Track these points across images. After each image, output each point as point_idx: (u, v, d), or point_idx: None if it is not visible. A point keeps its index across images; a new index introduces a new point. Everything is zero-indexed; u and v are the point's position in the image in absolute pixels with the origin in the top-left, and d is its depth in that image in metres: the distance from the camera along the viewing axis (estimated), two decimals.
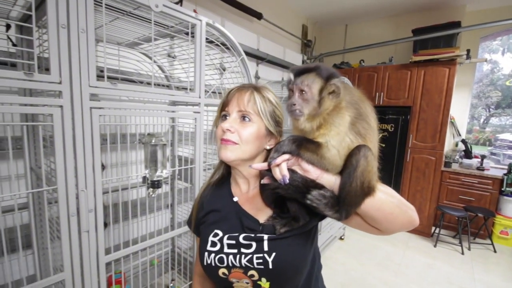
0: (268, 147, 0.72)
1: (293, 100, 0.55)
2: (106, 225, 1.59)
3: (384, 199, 0.54)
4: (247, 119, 0.67)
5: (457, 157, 3.63)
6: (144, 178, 1.01)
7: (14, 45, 1.27)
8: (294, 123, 0.59)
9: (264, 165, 0.58)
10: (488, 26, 2.87)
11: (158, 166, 0.99)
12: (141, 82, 1.41)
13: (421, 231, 3.32)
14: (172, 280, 1.96)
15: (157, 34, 1.27)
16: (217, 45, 1.28)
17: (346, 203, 0.54)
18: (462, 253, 2.90)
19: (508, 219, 3.07)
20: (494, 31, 3.41)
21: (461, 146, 3.62)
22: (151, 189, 0.99)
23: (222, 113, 0.70)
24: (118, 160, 1.54)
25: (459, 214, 2.97)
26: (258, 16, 3.04)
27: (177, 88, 1.66)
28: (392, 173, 3.52)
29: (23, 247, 1.03)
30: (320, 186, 0.55)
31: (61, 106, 0.77)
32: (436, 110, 3.16)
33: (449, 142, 3.70)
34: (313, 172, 0.55)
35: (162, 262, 1.71)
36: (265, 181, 0.59)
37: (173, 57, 1.95)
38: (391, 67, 3.47)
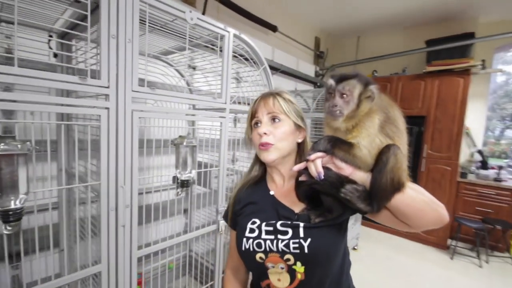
0: (299, 140, 0.78)
1: (335, 102, 0.60)
2: None
3: (415, 196, 0.58)
4: (277, 120, 0.74)
5: (473, 168, 3.57)
6: (174, 178, 1.07)
7: (55, 56, 1.38)
8: (329, 122, 0.63)
9: (302, 165, 0.64)
10: (503, 37, 2.88)
11: (188, 167, 1.05)
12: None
13: (437, 243, 3.26)
14: (185, 286, 1.99)
15: (182, 47, 1.35)
16: (240, 55, 1.36)
17: (378, 197, 0.58)
18: (480, 266, 2.83)
19: None
20: (509, 42, 3.40)
21: (477, 157, 3.57)
22: (180, 188, 1.05)
23: (254, 121, 0.77)
24: (147, 164, 1.62)
25: (476, 226, 2.92)
26: (273, 28, 3.14)
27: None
28: None
29: (47, 246, 1.08)
30: (353, 182, 0.59)
31: (107, 108, 0.84)
32: (451, 120, 3.16)
33: (465, 153, 3.66)
34: (346, 169, 0.60)
35: (174, 267, 1.76)
36: (302, 178, 0.64)
37: (193, 68, 2.05)
38: (405, 78, 3.50)
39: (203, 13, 2.25)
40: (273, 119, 0.74)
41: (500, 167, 3.38)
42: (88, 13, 0.79)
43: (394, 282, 2.51)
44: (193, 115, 1.37)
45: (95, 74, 0.83)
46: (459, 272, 2.72)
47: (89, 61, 0.98)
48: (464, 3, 3.07)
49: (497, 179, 3.23)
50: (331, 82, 0.61)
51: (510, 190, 3.06)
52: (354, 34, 4.31)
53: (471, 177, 3.38)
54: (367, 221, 3.73)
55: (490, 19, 3.40)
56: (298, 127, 0.77)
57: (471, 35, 3.11)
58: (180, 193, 1.06)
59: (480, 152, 3.54)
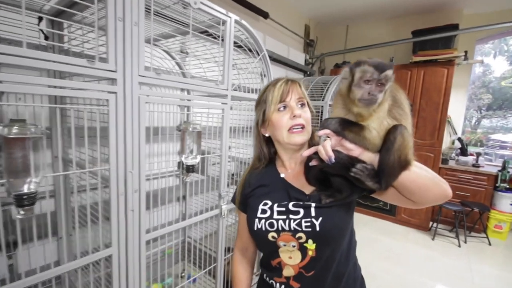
0: None
1: (373, 90, 0.59)
2: None
3: (419, 173, 0.62)
4: (303, 105, 0.78)
5: (454, 154, 3.77)
6: (179, 163, 1.08)
7: (46, 38, 1.33)
8: (347, 105, 0.65)
9: (312, 150, 0.66)
10: (485, 28, 3.01)
11: (193, 152, 1.06)
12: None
13: (420, 225, 3.45)
14: (183, 270, 2.04)
15: (180, 31, 1.34)
16: (240, 41, 1.36)
17: (385, 174, 0.61)
18: (459, 246, 3.04)
19: (502, 214, 3.21)
20: (489, 34, 3.55)
21: (457, 144, 3.77)
22: (185, 173, 1.06)
23: (281, 105, 0.76)
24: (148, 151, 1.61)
25: (455, 208, 3.11)
26: (265, 15, 3.12)
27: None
28: None
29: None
30: (362, 162, 0.63)
31: (115, 93, 0.83)
32: (435, 109, 3.29)
33: (446, 140, 3.84)
34: (355, 150, 0.63)
35: (170, 252, 1.78)
36: (313, 163, 0.67)
37: (186, 53, 2.03)
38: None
39: None
40: (301, 104, 0.78)
41: (478, 154, 3.60)
42: None
43: (383, 261, 2.66)
44: (196, 101, 1.37)
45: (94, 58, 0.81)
46: (440, 252, 2.92)
47: (86, 45, 0.96)
48: None
49: (475, 165, 3.44)
50: (372, 70, 0.59)
51: (486, 175, 3.27)
52: (343, 23, 4.34)
53: (451, 163, 3.57)
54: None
55: (474, 11, 3.52)
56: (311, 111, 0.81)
57: (455, 27, 3.21)
58: (185, 178, 1.07)
59: (460, 139, 3.73)
